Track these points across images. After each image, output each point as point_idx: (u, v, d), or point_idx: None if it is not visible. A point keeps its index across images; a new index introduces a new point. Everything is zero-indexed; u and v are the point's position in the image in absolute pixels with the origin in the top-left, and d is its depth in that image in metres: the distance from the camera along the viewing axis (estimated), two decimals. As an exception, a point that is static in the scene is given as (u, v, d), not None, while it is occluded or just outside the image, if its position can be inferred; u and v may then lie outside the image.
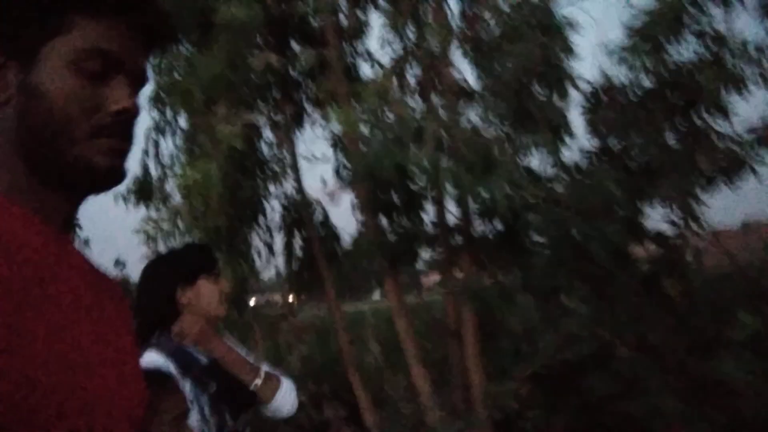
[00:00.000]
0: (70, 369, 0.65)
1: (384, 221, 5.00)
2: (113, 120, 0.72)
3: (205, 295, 1.99)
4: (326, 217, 6.06)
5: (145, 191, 5.85)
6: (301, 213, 5.84)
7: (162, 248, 4.86)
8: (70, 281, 0.71)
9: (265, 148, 5.62)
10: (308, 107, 5.31)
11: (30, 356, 0.61)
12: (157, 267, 2.07)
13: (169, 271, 2.02)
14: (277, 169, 5.69)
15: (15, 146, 0.72)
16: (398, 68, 4.75)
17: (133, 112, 0.74)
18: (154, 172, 5.90)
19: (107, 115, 0.72)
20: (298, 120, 5.15)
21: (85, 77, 0.72)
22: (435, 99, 4.39)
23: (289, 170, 5.65)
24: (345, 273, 5.86)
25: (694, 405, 3.73)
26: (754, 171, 4.49)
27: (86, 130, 0.71)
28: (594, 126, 3.74)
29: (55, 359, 0.63)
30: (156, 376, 1.71)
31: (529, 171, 3.60)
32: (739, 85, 4.25)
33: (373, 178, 4.08)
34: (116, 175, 0.74)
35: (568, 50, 3.85)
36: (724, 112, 4.45)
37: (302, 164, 5.60)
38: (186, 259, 2.06)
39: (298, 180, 5.63)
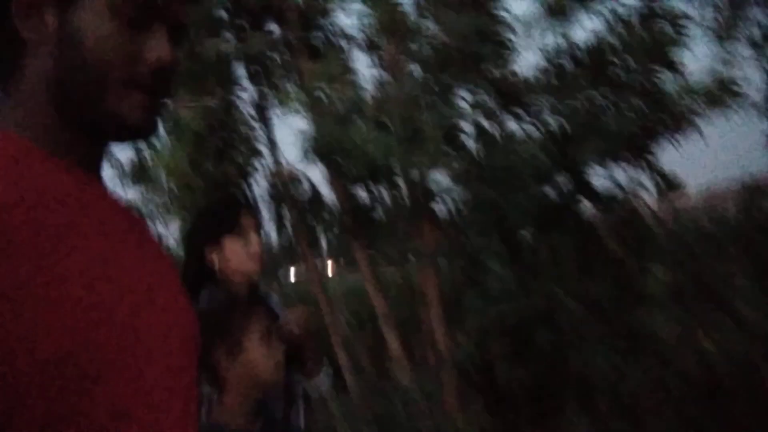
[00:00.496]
0: (111, 314, 0.63)
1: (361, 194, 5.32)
2: (150, 71, 0.70)
3: (233, 253, 1.93)
4: (314, 189, 6.39)
5: (139, 173, 6.29)
6: (287, 186, 6.17)
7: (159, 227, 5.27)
8: (98, 223, 0.69)
9: (245, 128, 5.97)
10: (278, 86, 5.59)
11: (67, 304, 0.59)
12: (188, 230, 2.10)
13: (194, 233, 2.03)
14: (258, 147, 6.03)
15: (46, 88, 0.70)
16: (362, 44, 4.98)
17: (171, 65, 0.71)
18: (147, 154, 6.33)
19: (144, 66, 0.69)
20: (264, 99, 5.43)
21: (124, 23, 0.69)
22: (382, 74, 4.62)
23: (268, 147, 5.99)
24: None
25: (627, 356, 3.95)
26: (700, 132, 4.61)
27: (121, 79, 0.69)
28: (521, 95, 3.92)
29: (94, 305, 0.61)
30: (224, 305, 1.68)
31: (453, 140, 3.82)
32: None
33: (329, 154, 4.38)
34: (147, 131, 0.72)
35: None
36: (673, 68, 4.56)
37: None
38: (207, 219, 2.05)
39: (275, 155, 5.95)
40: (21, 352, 0.56)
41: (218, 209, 2.09)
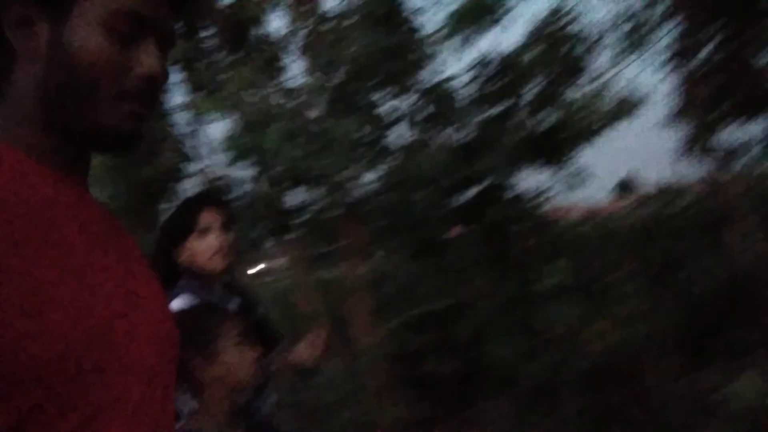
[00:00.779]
0: (94, 314, 0.65)
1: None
2: (139, 86, 0.71)
3: (197, 252, 1.96)
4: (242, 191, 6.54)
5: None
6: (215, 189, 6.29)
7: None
8: (84, 230, 0.70)
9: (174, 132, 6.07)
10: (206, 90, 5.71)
11: (54, 305, 0.61)
12: (166, 220, 2.09)
13: (160, 235, 2.04)
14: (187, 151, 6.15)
15: (35, 98, 0.71)
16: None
17: (161, 78, 0.72)
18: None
19: (135, 79, 0.71)
20: (192, 104, 5.54)
21: (115, 39, 0.70)
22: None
23: (197, 151, 6.11)
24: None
25: (528, 349, 4.28)
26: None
27: (111, 92, 0.70)
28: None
29: (80, 307, 0.63)
30: (198, 310, 1.68)
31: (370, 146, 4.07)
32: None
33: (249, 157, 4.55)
34: (134, 140, 0.73)
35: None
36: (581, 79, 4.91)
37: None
38: (172, 220, 2.05)
39: (204, 158, 6.07)
40: (7, 352, 0.57)
41: (182, 210, 2.08)
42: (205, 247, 1.95)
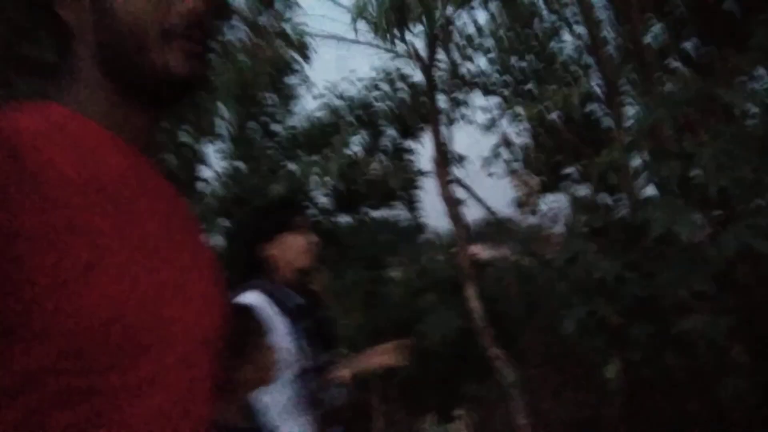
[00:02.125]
0: (150, 292, 0.65)
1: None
2: (185, 23, 0.70)
3: (289, 248, 2.06)
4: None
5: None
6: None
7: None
8: (151, 204, 0.71)
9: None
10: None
11: (111, 275, 0.61)
12: (239, 226, 2.25)
13: (250, 230, 2.14)
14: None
15: (94, 64, 0.72)
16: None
17: (203, 11, 0.71)
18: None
19: (176, 16, 0.70)
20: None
21: None
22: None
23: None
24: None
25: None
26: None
27: (157, 33, 0.70)
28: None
29: (136, 281, 0.63)
30: (247, 314, 1.70)
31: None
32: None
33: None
34: (194, 78, 0.72)
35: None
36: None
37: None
38: (266, 216, 2.17)
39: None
40: (64, 316, 0.58)
41: (275, 208, 2.26)
42: (298, 243, 2.08)
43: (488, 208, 5.07)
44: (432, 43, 4.55)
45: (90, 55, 0.73)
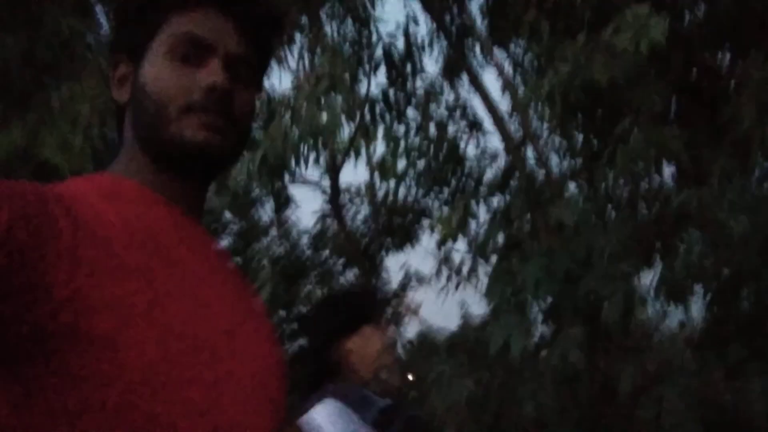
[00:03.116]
0: (196, 353, 0.65)
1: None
2: (205, 97, 0.74)
3: (369, 343, 1.86)
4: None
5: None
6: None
7: None
8: (196, 256, 0.73)
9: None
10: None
11: (156, 339, 0.61)
12: (319, 315, 2.00)
13: (331, 319, 1.92)
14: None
15: (136, 139, 0.78)
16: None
17: (224, 89, 0.75)
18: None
19: (198, 92, 0.74)
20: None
21: (178, 62, 0.76)
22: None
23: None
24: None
25: None
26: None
27: (178, 108, 0.74)
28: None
29: (182, 343, 0.63)
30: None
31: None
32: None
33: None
34: (211, 149, 0.75)
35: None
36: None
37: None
38: (348, 306, 1.96)
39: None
40: (117, 356, 0.59)
41: (356, 299, 2.03)
42: (378, 338, 1.88)
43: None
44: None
45: (130, 126, 0.79)
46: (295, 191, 7.62)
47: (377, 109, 4.91)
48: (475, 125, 5.42)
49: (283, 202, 5.54)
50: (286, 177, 4.19)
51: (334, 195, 4.89)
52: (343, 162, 4.79)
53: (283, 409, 0.77)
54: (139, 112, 0.77)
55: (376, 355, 1.85)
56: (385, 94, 5.11)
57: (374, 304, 2.03)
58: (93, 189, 0.70)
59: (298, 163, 3.37)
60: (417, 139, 4.91)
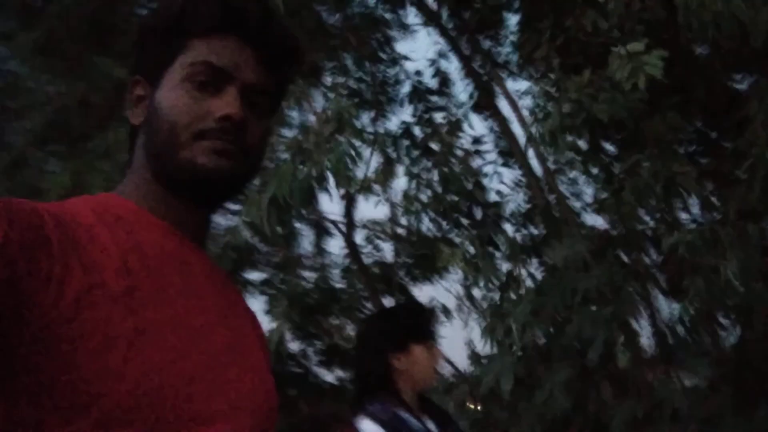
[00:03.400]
0: (200, 372, 0.66)
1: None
2: (218, 126, 0.75)
3: (419, 362, 1.83)
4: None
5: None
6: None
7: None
8: (193, 281, 0.73)
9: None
10: None
11: (155, 343, 0.62)
12: (371, 328, 1.97)
13: (382, 334, 1.89)
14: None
15: (144, 160, 0.79)
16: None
17: (238, 119, 0.75)
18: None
19: (211, 120, 0.75)
20: None
21: (195, 89, 0.76)
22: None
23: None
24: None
25: None
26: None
27: (191, 134, 0.74)
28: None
29: (166, 374, 0.63)
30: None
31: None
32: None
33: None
34: (221, 174, 0.75)
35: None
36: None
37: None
38: (400, 321, 1.92)
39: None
40: (111, 380, 0.59)
41: (410, 313, 1.99)
42: (428, 357, 1.84)
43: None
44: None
45: (141, 148, 0.80)
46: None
47: (401, 144, 5.01)
48: (505, 153, 5.42)
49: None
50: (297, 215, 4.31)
51: (349, 232, 4.98)
52: (354, 198, 4.90)
53: None
54: (151, 134, 0.78)
55: (423, 375, 1.83)
56: (407, 128, 5.25)
57: (427, 323, 1.98)
58: (92, 207, 0.71)
59: (305, 202, 3.52)
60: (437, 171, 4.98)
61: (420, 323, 1.92)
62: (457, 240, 4.98)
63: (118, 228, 0.69)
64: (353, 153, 3.57)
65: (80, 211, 0.68)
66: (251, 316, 0.87)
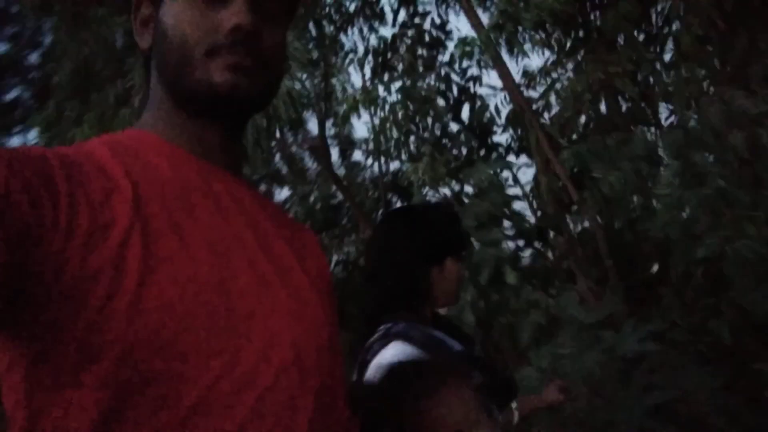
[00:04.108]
0: (224, 305, 0.63)
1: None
2: (230, 39, 0.70)
3: (449, 278, 1.65)
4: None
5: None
6: None
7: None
8: (233, 216, 0.71)
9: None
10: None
11: (174, 299, 0.59)
12: (399, 234, 1.67)
13: (417, 243, 1.64)
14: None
15: (159, 87, 0.75)
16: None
17: (249, 29, 0.71)
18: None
19: (222, 34, 0.71)
20: None
21: (200, 2, 0.72)
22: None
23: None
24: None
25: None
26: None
27: (202, 51, 0.70)
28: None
29: (206, 297, 0.61)
30: (419, 368, 1.15)
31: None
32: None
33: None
34: (238, 91, 0.71)
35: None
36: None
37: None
38: (440, 230, 1.68)
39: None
40: (125, 322, 0.57)
41: (450, 223, 1.76)
42: (458, 270, 1.69)
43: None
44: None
45: (155, 74, 0.76)
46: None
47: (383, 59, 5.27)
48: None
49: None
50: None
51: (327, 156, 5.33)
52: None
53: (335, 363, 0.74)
54: (162, 57, 0.74)
55: (447, 292, 1.66)
56: (394, 37, 5.43)
57: (465, 234, 1.85)
58: (106, 142, 0.70)
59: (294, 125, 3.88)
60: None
61: (461, 234, 1.77)
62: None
63: (131, 159, 0.67)
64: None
65: (93, 148, 0.67)
66: (313, 251, 0.83)
